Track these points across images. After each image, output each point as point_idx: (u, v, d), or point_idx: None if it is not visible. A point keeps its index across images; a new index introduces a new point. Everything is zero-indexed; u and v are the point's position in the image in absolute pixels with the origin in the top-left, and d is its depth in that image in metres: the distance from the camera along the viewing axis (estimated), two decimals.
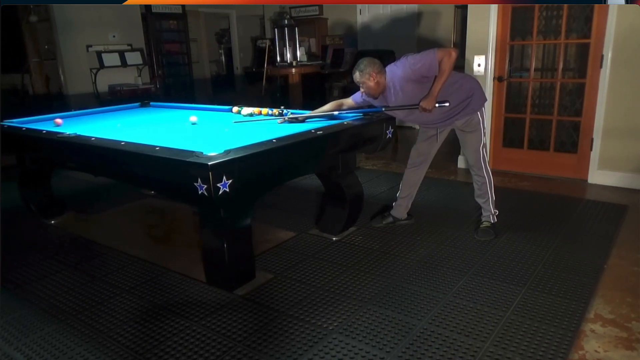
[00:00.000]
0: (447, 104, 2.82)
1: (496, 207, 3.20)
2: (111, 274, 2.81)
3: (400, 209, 3.37)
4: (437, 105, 2.79)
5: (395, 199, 3.39)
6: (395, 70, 2.83)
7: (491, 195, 3.15)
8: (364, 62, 2.81)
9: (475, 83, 3.00)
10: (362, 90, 2.90)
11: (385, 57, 6.03)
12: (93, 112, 4.16)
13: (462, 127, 3.03)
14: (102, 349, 2.10)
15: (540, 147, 4.56)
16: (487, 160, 3.11)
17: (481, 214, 3.21)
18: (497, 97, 4.61)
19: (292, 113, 3.21)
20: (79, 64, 6.67)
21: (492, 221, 3.17)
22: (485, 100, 3.04)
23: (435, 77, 2.76)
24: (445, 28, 6.82)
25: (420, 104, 2.79)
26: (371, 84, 2.81)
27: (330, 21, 7.94)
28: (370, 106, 3.04)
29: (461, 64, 4.30)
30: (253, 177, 2.28)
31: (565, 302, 2.33)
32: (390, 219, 3.38)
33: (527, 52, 4.56)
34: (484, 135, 3.05)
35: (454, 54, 2.72)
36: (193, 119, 3.35)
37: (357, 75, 2.83)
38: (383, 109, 2.94)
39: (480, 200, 3.19)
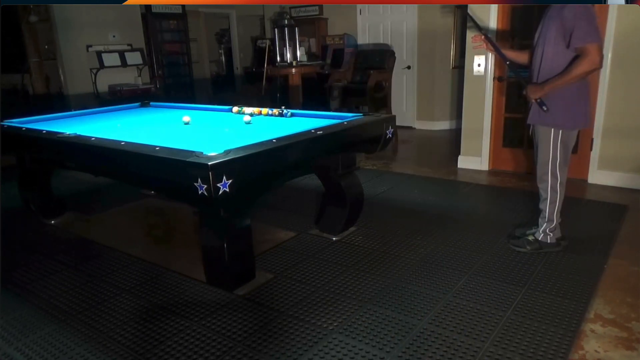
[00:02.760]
0: (545, 107, 2.62)
1: (556, 229, 2.86)
2: (111, 274, 2.81)
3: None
4: (537, 100, 2.64)
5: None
6: (566, 6, 2.50)
7: (548, 214, 2.84)
8: None
9: (575, 106, 2.67)
10: None
11: (386, 56, 6.05)
12: (93, 112, 4.16)
13: (537, 130, 2.79)
14: (102, 349, 2.10)
15: None
16: (557, 179, 2.76)
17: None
18: (497, 97, 4.61)
19: (292, 113, 3.21)
20: (79, 64, 6.66)
21: (535, 237, 2.91)
22: (576, 127, 2.72)
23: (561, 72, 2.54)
24: (445, 28, 6.82)
25: (528, 87, 2.69)
26: None
27: (330, 21, 7.94)
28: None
29: (461, 64, 4.30)
30: (253, 177, 2.28)
31: (565, 302, 2.33)
32: (536, 245, 2.97)
33: None
34: (557, 154, 2.72)
35: (595, 65, 2.47)
36: (186, 119, 3.35)
37: None
38: (507, 63, 2.90)
39: (541, 214, 2.92)
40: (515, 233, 3.08)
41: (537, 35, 2.77)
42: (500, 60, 4.52)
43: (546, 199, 2.84)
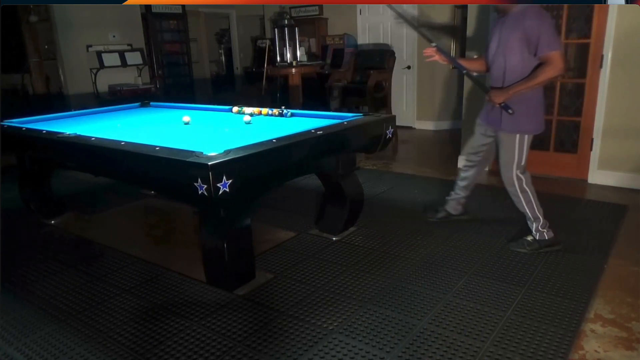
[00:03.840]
0: (510, 111, 2.68)
1: (543, 227, 2.90)
2: (111, 274, 2.81)
3: (453, 204, 3.38)
4: (501, 105, 2.70)
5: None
6: (528, 10, 2.61)
7: (530, 213, 2.90)
8: None
9: (537, 112, 2.78)
10: None
11: (386, 56, 6.05)
12: (93, 112, 4.15)
13: (501, 137, 2.87)
14: (102, 349, 2.10)
15: (540, 147, 4.55)
16: (522, 182, 2.87)
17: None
18: None
19: (292, 113, 3.21)
20: (79, 64, 6.66)
21: (533, 237, 2.93)
22: (532, 131, 2.81)
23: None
24: (445, 28, 6.82)
25: (491, 91, 2.75)
26: None
27: (330, 21, 7.94)
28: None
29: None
30: (253, 177, 2.28)
31: (565, 302, 2.33)
32: (444, 213, 3.40)
33: None
34: (520, 159, 2.84)
35: (558, 71, 2.59)
36: (186, 119, 3.35)
37: None
38: (465, 72, 2.94)
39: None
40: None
41: (494, 44, 2.83)
42: None
43: (520, 200, 2.91)
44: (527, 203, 2.90)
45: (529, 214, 2.91)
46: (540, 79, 2.60)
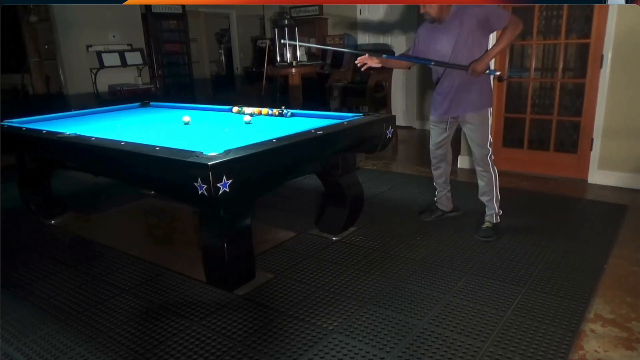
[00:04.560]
0: (498, 72, 2.90)
1: (500, 207, 3.17)
2: (111, 274, 2.81)
3: (443, 202, 3.46)
4: (487, 72, 2.84)
5: (435, 194, 3.48)
6: (469, 7, 2.84)
7: (496, 193, 3.14)
8: None
9: (490, 87, 3.07)
10: (422, 10, 2.90)
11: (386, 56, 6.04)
12: (93, 112, 4.15)
13: (472, 119, 3.04)
14: (102, 349, 2.10)
15: (540, 147, 4.56)
16: (492, 157, 3.11)
17: (484, 212, 3.21)
18: (497, 97, 4.61)
19: (292, 113, 3.21)
20: (79, 64, 6.66)
21: (494, 221, 3.15)
22: (491, 104, 3.10)
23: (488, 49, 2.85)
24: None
25: (471, 65, 2.84)
26: (430, 10, 2.86)
27: (330, 21, 7.94)
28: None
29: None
30: (253, 177, 2.27)
31: (565, 302, 2.33)
32: (438, 212, 3.47)
33: (527, 52, 4.56)
34: (490, 135, 3.07)
35: (520, 27, 2.79)
36: (186, 119, 3.34)
37: None
38: (432, 63, 2.99)
39: (484, 199, 3.18)
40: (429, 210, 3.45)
41: (445, 46, 2.94)
42: (501, 60, 4.54)
43: (491, 180, 3.11)
44: (495, 182, 3.12)
45: (495, 192, 3.12)
46: (508, 39, 2.83)
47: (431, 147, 3.32)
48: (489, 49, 2.93)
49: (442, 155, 3.33)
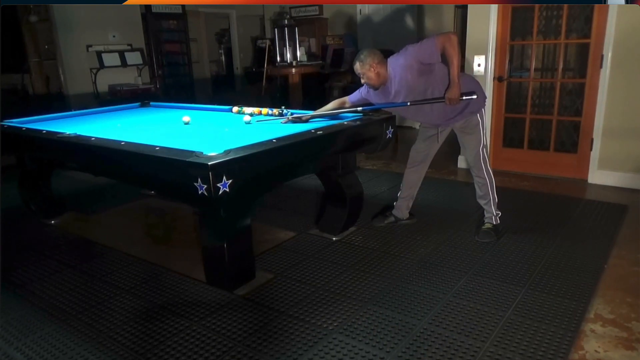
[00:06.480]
0: (474, 96, 2.78)
1: (498, 208, 3.16)
2: (111, 274, 2.81)
3: (401, 209, 3.36)
4: (463, 97, 2.74)
5: (396, 199, 3.39)
6: (397, 59, 2.83)
7: (493, 197, 3.12)
8: (364, 53, 2.83)
9: (476, 84, 2.97)
10: (362, 80, 2.88)
11: (386, 56, 6.04)
12: (93, 112, 4.16)
13: (462, 128, 3.02)
14: (102, 349, 2.10)
15: (540, 147, 4.56)
16: (487, 161, 3.08)
17: (483, 215, 3.21)
18: (497, 97, 4.61)
19: (292, 113, 3.21)
20: (79, 64, 6.66)
21: (493, 223, 3.14)
22: (485, 98, 3.02)
23: (436, 72, 2.74)
24: (445, 28, 6.82)
25: (446, 95, 2.75)
26: (371, 74, 2.81)
27: (330, 21, 7.94)
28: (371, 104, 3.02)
29: (461, 64, 4.32)
30: (253, 177, 2.28)
31: (565, 302, 2.33)
32: (392, 219, 3.38)
33: (527, 52, 4.56)
34: (484, 136, 3.03)
35: (453, 37, 2.68)
36: (186, 119, 3.34)
37: (357, 66, 2.83)
38: (409, 104, 2.85)
39: (481, 202, 3.17)
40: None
41: (399, 97, 2.84)
42: (501, 60, 4.54)
43: (486, 184, 3.09)
44: (491, 184, 3.09)
45: (492, 196, 3.10)
46: (454, 54, 2.66)
47: (412, 150, 3.24)
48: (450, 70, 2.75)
49: (419, 161, 3.24)
